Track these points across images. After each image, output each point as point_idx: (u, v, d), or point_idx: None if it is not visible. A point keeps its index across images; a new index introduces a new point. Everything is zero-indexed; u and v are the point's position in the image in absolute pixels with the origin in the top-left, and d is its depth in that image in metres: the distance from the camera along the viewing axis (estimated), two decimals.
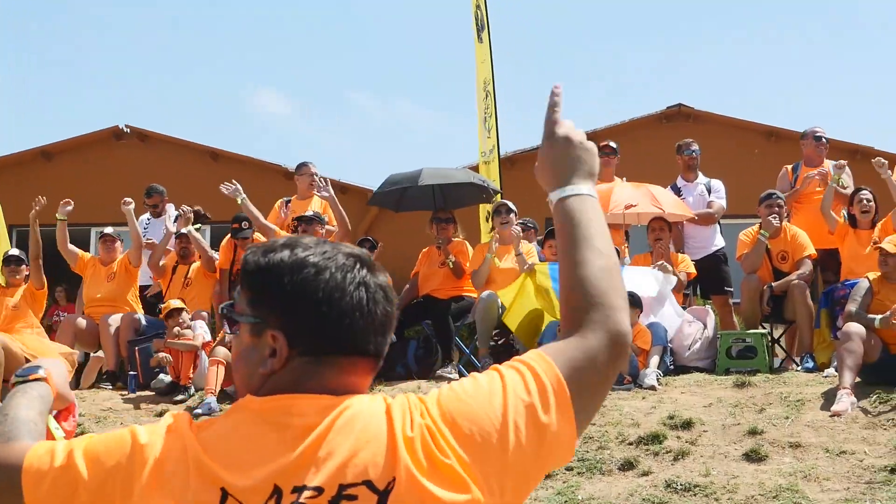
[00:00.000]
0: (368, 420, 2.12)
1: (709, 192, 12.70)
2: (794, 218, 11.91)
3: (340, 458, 2.07)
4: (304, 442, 2.09)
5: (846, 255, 11.51)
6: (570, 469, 8.82)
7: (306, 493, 2.05)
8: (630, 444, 9.15)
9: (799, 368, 11.07)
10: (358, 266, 2.22)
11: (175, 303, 11.71)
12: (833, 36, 53.12)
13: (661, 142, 18.96)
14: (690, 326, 11.44)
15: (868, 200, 11.50)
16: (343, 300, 2.18)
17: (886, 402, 9.53)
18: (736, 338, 11.16)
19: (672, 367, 11.03)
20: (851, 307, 10.06)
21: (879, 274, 10.33)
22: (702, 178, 12.85)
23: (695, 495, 8.27)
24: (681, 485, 8.39)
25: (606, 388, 2.31)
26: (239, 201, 12.35)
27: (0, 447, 2.27)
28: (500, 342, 11.79)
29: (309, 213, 12.41)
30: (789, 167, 12.63)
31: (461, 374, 11.67)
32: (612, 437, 9.25)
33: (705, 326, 11.52)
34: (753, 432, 9.15)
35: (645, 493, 8.32)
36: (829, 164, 12.35)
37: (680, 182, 12.88)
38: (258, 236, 12.88)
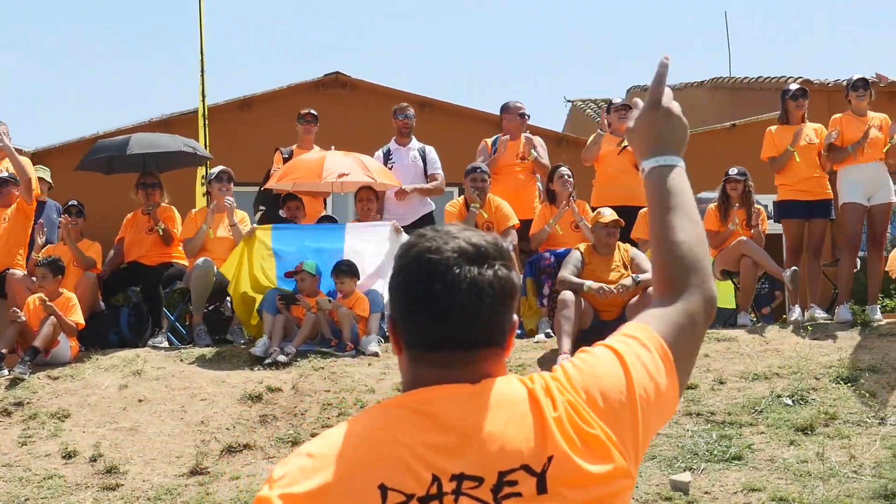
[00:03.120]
0: (513, 404, 2.14)
1: (423, 158, 12.91)
2: (492, 188, 12.24)
3: (494, 444, 2.09)
4: (453, 430, 2.10)
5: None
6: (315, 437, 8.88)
7: (467, 483, 2.07)
8: None
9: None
10: (451, 258, 2.18)
11: None
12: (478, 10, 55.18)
13: (317, 108, 19.11)
14: None
15: (568, 176, 12.11)
16: (414, 297, 2.19)
17: None
18: None
19: (387, 333, 11.23)
20: (565, 273, 10.57)
21: (589, 244, 10.94)
22: (415, 144, 13.04)
23: None
24: None
25: (699, 346, 2.45)
26: None
27: None
28: (209, 308, 11.63)
29: (4, 174, 11.75)
30: (489, 140, 13.03)
31: (170, 342, 11.47)
32: (350, 404, 9.35)
33: None
34: None
35: None
36: (524, 138, 12.89)
37: (393, 146, 13.04)
38: None
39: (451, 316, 2.15)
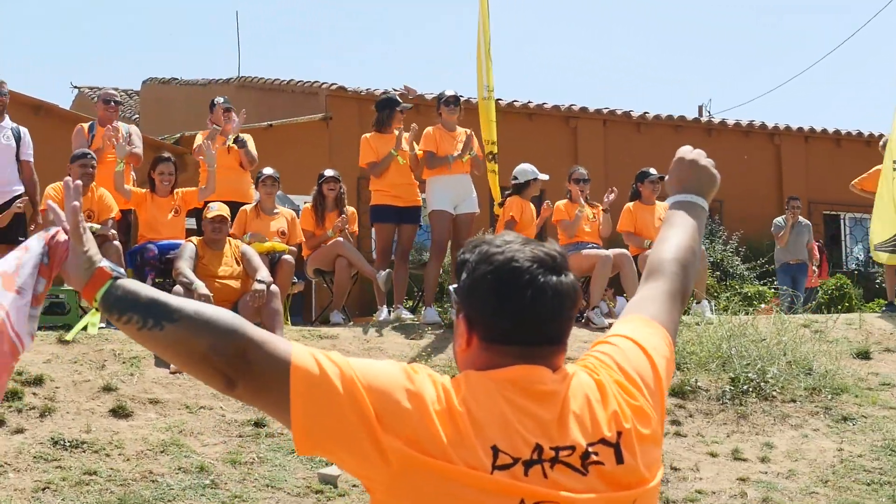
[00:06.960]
0: (588, 388, 2.53)
1: (17, 140, 12.27)
2: (96, 177, 11.89)
3: (582, 421, 2.46)
4: (552, 406, 2.45)
5: (144, 220, 11.94)
6: None
7: (563, 452, 2.42)
8: None
9: (104, 326, 11.25)
10: (534, 267, 2.49)
11: None
12: None
13: None
14: None
15: (170, 174, 12.03)
16: (503, 300, 2.49)
17: None
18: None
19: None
20: (181, 264, 10.54)
21: (201, 238, 10.98)
22: (8, 123, 12.35)
23: (84, 452, 8.34)
24: (68, 442, 8.41)
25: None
26: None
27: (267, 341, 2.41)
28: None
29: None
30: (85, 126, 12.72)
31: None
32: None
33: None
34: (108, 389, 9.33)
35: (34, 451, 8.22)
36: (120, 126, 12.67)
37: None
38: None
39: (538, 318, 2.49)
